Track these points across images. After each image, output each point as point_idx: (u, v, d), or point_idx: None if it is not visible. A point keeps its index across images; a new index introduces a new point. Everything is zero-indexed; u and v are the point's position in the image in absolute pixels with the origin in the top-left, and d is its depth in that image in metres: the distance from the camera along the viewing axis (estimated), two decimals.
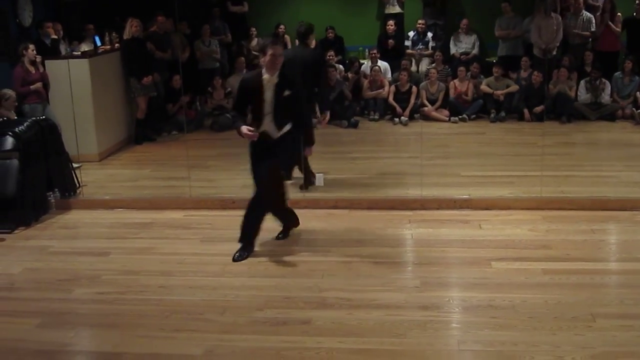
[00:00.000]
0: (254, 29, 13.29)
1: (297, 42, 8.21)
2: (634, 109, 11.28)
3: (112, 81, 10.16)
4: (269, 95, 5.94)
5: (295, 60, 7.46)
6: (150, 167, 9.22)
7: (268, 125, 6.03)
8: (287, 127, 6.10)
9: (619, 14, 11.97)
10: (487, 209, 7.21)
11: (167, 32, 11.34)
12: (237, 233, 6.47)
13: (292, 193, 7.62)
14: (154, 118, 10.79)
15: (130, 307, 5.32)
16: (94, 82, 9.44)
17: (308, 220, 7.14)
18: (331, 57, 12.50)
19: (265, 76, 5.90)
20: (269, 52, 5.83)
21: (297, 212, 7.24)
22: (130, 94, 10.46)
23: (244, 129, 5.85)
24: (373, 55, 12.46)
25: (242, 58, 12.20)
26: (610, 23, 11.94)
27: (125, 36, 10.29)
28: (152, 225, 7.09)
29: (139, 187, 8.30)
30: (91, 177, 8.57)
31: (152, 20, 11.16)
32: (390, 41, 12.86)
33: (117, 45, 10.57)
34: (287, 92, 5.94)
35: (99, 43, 10.67)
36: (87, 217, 7.44)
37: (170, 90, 11.13)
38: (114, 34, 10.70)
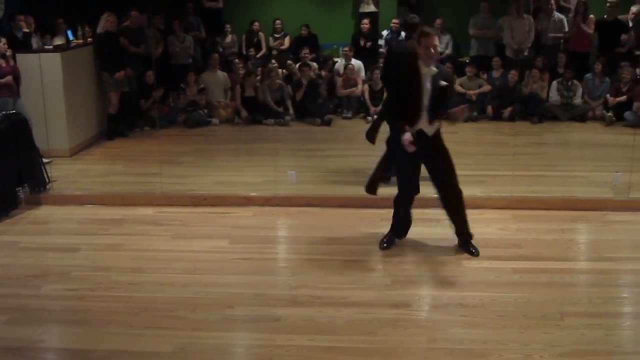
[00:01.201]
0: (228, 26, 13.22)
1: (403, 34, 8.06)
2: (604, 110, 11.39)
3: (84, 76, 10.07)
4: (427, 87, 5.71)
5: (400, 52, 7.43)
6: (122, 163, 9.16)
7: (423, 121, 5.82)
8: (437, 124, 5.89)
9: (591, 15, 12.06)
10: None
11: (141, 27, 11.27)
12: (210, 230, 6.50)
13: (268, 190, 7.62)
14: (126, 113, 10.71)
15: (100, 303, 5.29)
16: (66, 76, 9.35)
17: (280, 217, 7.16)
18: (305, 55, 12.49)
19: (423, 68, 5.68)
20: (423, 43, 5.62)
21: (269, 209, 7.28)
22: (102, 89, 10.38)
23: (408, 138, 5.68)
24: (346, 52, 12.45)
25: (216, 54, 12.15)
26: (582, 24, 12.02)
27: (99, 30, 10.21)
28: (123, 222, 7.05)
29: (110, 182, 8.25)
30: (62, 172, 8.50)
31: (126, 15, 11.08)
32: (369, 43, 12.80)
33: (90, 39, 10.49)
34: (443, 83, 5.74)
35: (72, 37, 10.57)
36: (57, 213, 7.38)
37: (144, 85, 11.06)
38: (87, 28, 10.61)
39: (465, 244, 6.18)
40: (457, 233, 6.22)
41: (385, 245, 6.32)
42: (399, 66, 6.41)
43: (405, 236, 6.40)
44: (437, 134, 5.92)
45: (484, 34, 12.48)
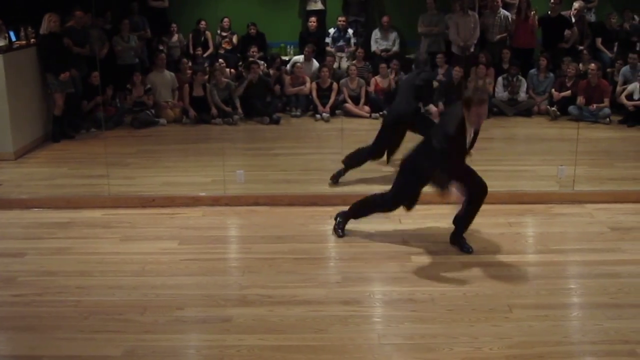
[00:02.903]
0: (174, 25, 13.12)
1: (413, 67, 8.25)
2: (548, 106, 11.57)
3: (28, 77, 9.91)
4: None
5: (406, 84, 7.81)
6: (68, 165, 9.02)
7: None
8: None
9: (533, 11, 12.23)
10: None
11: (85, 27, 11.12)
12: (159, 231, 6.46)
13: (217, 190, 7.59)
14: (71, 115, 10.56)
15: (48, 308, 5.21)
16: (9, 78, 9.18)
17: (229, 217, 7.14)
18: (253, 53, 12.46)
19: (468, 127, 5.67)
20: (477, 111, 5.55)
21: (218, 209, 7.26)
22: (47, 90, 10.22)
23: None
24: (307, 52, 12.45)
25: (163, 54, 12.05)
26: (524, 21, 12.19)
27: (42, 31, 10.03)
28: (70, 225, 6.95)
29: (56, 185, 8.12)
30: (6, 176, 8.37)
31: (69, 15, 10.92)
32: (310, 46, 12.77)
33: (33, 40, 10.32)
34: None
35: (14, 38, 10.39)
36: (1, 217, 7.24)
37: (89, 86, 10.91)
38: (29, 29, 10.45)
39: (461, 239, 6.23)
40: (459, 227, 6.26)
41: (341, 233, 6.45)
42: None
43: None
44: None
45: (431, 30, 12.58)
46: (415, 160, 6.04)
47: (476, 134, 5.87)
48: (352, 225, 6.75)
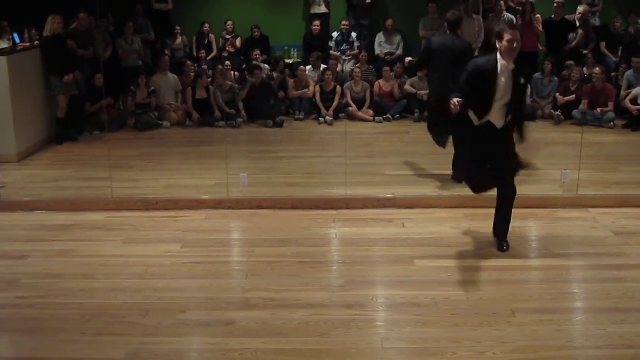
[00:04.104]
0: (178, 28, 13.14)
1: (447, 30, 8.16)
2: (552, 110, 11.55)
3: (32, 79, 9.91)
4: (503, 82, 5.74)
5: (444, 48, 7.63)
6: (71, 168, 9.02)
7: (496, 114, 5.83)
8: (509, 118, 5.88)
9: (538, 15, 12.23)
10: (410, 207, 7.30)
11: (89, 29, 11.14)
12: (162, 234, 6.48)
13: (220, 193, 7.59)
14: (75, 117, 10.57)
15: (51, 311, 5.21)
16: (13, 80, 9.19)
17: (232, 220, 7.14)
18: (257, 56, 12.47)
19: (502, 62, 5.72)
20: (506, 37, 5.66)
21: (221, 212, 7.26)
22: (50, 93, 10.23)
23: (455, 100, 5.66)
24: (314, 61, 12.44)
25: (167, 57, 12.06)
26: (529, 25, 12.18)
27: (46, 33, 10.04)
28: (73, 227, 6.95)
29: (59, 188, 8.12)
30: (10, 178, 8.36)
31: (73, 17, 10.93)
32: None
33: (37, 42, 10.33)
34: (522, 81, 5.78)
35: (18, 40, 10.40)
36: (5, 220, 7.24)
37: (93, 88, 10.92)
38: (33, 31, 10.46)
39: (499, 239, 6.24)
40: (497, 229, 6.27)
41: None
42: (456, 62, 6.91)
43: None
44: (507, 128, 5.93)
45: (434, 34, 12.55)
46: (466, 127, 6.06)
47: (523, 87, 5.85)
48: (355, 228, 6.76)
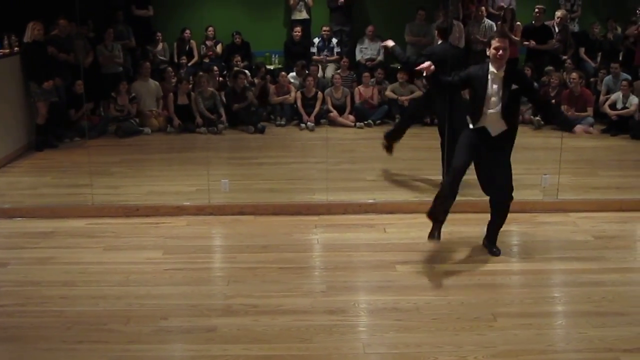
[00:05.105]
0: (159, 34, 13.10)
1: (437, 39, 8.16)
2: (532, 115, 11.61)
3: (11, 85, 9.86)
4: (494, 89, 5.81)
5: (433, 57, 7.47)
6: (51, 175, 8.97)
7: (489, 120, 5.87)
8: (505, 127, 5.91)
9: (518, 22, 12.29)
10: (392, 212, 7.32)
11: (70, 35, 11.08)
12: (143, 241, 6.44)
13: (202, 199, 7.57)
14: (55, 124, 10.51)
15: (31, 319, 5.17)
16: None
17: (214, 226, 7.12)
18: (237, 62, 12.46)
19: (492, 70, 5.80)
20: (493, 45, 5.75)
21: (203, 218, 7.24)
22: (30, 99, 10.17)
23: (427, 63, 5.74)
24: (298, 70, 12.44)
25: (148, 63, 12.03)
26: (509, 33, 12.22)
27: (26, 39, 9.99)
28: (53, 234, 6.91)
29: (39, 195, 8.08)
30: None
31: (53, 24, 10.88)
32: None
33: (17, 48, 10.27)
34: (514, 87, 5.81)
35: None
36: None
37: (73, 95, 10.87)
38: (13, 37, 10.39)
39: (491, 243, 6.29)
40: (489, 235, 6.31)
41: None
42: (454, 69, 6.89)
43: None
44: (502, 136, 5.95)
45: (419, 40, 12.60)
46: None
47: (515, 93, 5.89)
48: (336, 234, 6.78)
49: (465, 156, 5.94)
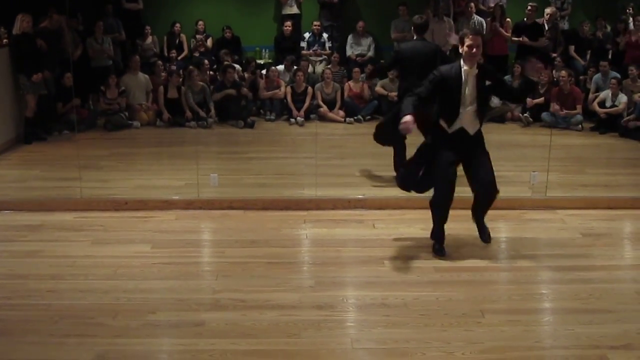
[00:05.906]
0: (148, 27, 13.04)
1: (414, 34, 8.08)
2: (521, 113, 11.65)
3: (0, 78, 9.81)
4: (469, 87, 5.76)
5: (413, 53, 7.60)
6: (40, 168, 8.94)
7: (466, 120, 5.83)
8: (479, 125, 5.90)
9: (508, 19, 12.33)
10: (381, 208, 7.33)
11: (59, 28, 11.03)
12: (131, 235, 6.41)
13: (191, 194, 7.56)
14: (44, 117, 10.47)
15: (18, 312, 5.15)
16: None
17: (202, 221, 7.11)
18: (225, 56, 12.44)
19: (465, 68, 5.74)
20: (466, 42, 5.69)
21: (191, 212, 7.23)
22: (19, 92, 10.13)
23: (408, 118, 5.52)
24: (288, 64, 12.43)
25: (137, 56, 11.99)
26: (499, 28, 12.26)
27: (15, 32, 9.96)
28: (41, 228, 6.88)
29: (27, 188, 8.05)
30: None
31: (42, 16, 10.83)
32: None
33: (6, 41, 10.22)
34: (488, 83, 5.79)
35: None
36: None
37: (62, 88, 10.82)
38: (2, 29, 10.34)
39: (481, 229, 6.27)
40: (478, 222, 6.29)
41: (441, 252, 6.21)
42: (425, 66, 6.80)
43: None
44: (479, 133, 5.95)
45: (405, 36, 12.59)
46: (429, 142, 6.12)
47: (489, 89, 5.90)
48: (325, 229, 6.77)
49: (449, 172, 5.95)
